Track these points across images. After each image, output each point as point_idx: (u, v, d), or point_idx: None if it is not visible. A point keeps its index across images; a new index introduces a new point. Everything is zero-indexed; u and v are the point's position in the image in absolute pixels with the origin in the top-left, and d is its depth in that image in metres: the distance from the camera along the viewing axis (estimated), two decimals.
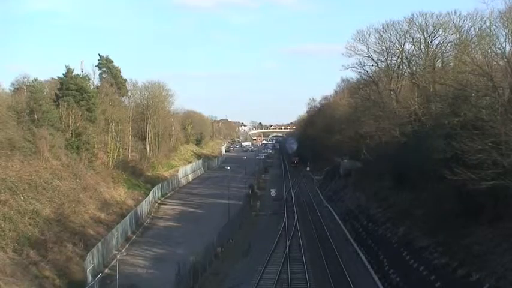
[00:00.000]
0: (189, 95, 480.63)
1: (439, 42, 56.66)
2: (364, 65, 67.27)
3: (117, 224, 53.34)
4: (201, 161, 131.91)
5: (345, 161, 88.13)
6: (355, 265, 46.30)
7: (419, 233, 41.86)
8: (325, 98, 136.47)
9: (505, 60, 33.16)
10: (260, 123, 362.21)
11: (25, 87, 69.97)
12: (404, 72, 63.28)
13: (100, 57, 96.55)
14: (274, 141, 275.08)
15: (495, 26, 37.80)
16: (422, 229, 41.69)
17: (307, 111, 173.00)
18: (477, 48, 39.11)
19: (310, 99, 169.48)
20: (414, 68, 60.50)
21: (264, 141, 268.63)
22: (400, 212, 49.99)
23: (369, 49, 64.41)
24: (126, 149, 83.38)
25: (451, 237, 35.71)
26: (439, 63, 56.60)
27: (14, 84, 74.04)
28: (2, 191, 43.49)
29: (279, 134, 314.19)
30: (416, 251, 39.60)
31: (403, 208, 49.63)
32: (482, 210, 34.62)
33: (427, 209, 43.05)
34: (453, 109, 37.49)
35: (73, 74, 71.69)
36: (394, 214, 51.30)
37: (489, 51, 35.47)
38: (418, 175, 45.51)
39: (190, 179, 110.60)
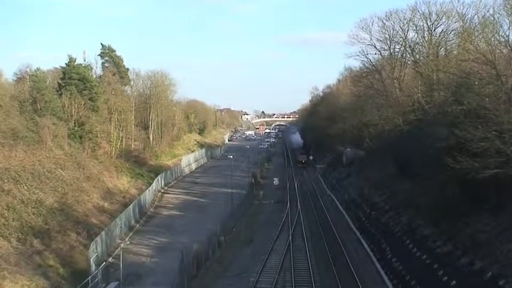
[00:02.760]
0: (192, 85, 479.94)
1: (442, 30, 56.42)
2: (367, 54, 67.05)
3: (121, 213, 53.47)
4: (204, 150, 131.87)
5: (348, 149, 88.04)
6: (357, 253, 46.42)
7: (423, 221, 41.88)
8: (328, 86, 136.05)
9: (509, 48, 33.00)
10: (263, 112, 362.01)
11: (28, 77, 70.01)
12: (408, 60, 63.01)
13: (102, 46, 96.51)
14: (277, 130, 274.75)
15: (498, 14, 37.50)
16: (425, 217, 41.70)
17: (310, 100, 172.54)
18: (480, 36, 38.88)
19: (313, 88, 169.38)
20: (417, 56, 60.26)
21: (267, 130, 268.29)
22: (403, 200, 49.98)
23: (372, 37, 64.21)
24: (129, 138, 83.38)
25: (454, 225, 35.72)
26: (442, 52, 56.33)
27: (16, 74, 74.22)
28: (6, 180, 43.59)
29: (282, 123, 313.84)
30: (420, 240, 39.64)
31: (406, 196, 49.61)
32: (485, 198, 34.59)
33: (430, 197, 43.02)
34: (456, 97, 37.35)
35: (75, 63, 71.61)
36: (397, 202, 51.30)
37: (492, 39, 35.27)
38: (421, 164, 45.40)
39: (193, 168, 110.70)
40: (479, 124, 29.07)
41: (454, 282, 30.23)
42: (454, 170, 30.90)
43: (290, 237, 51.59)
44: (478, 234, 32.44)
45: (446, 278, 31.48)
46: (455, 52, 51.91)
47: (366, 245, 48.37)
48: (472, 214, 35.10)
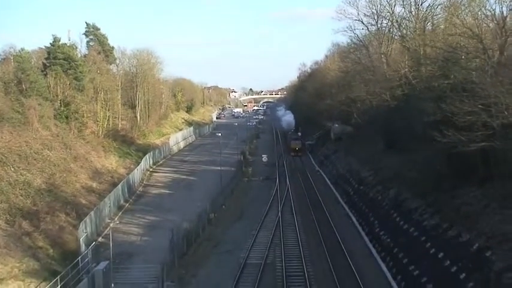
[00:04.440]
0: (178, 63, 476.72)
1: (429, 4, 56.23)
2: (355, 29, 66.96)
3: (109, 192, 53.40)
4: (192, 128, 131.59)
5: (336, 125, 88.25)
6: (346, 227, 46.83)
7: (410, 195, 42.25)
8: (316, 63, 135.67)
9: (495, 22, 33.06)
10: (251, 89, 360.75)
11: (12, 58, 69.25)
12: (395, 35, 62.97)
13: (87, 25, 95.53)
14: (265, 108, 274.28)
15: None
16: (412, 191, 42.07)
17: (297, 77, 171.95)
18: (467, 11, 38.83)
19: (301, 64, 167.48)
20: (404, 31, 60.17)
21: (255, 108, 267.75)
22: (390, 174, 50.35)
23: (359, 12, 64.06)
24: (116, 117, 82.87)
25: (441, 198, 36.08)
26: (429, 26, 56.26)
27: (0, 55, 73.33)
28: None
29: (270, 100, 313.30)
30: (407, 213, 40.03)
31: (394, 171, 49.97)
32: (472, 171, 34.91)
33: (418, 171, 43.35)
34: (443, 72, 37.51)
35: (60, 43, 70.89)
36: (384, 177, 51.67)
37: (479, 13, 35.31)
38: (408, 138, 45.70)
39: (182, 147, 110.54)
40: (466, 98, 29.23)
41: (441, 254, 30.61)
42: (441, 143, 31.13)
43: (279, 213, 51.89)
44: (465, 207, 32.79)
45: (433, 250, 31.87)
46: (442, 26, 51.89)
47: (354, 219, 48.80)
48: (458, 187, 35.44)
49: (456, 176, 36.04)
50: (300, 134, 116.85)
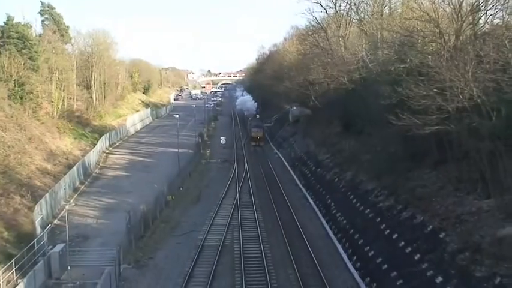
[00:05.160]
0: (136, 44, 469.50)
1: None
2: (313, 12, 67.05)
3: (64, 174, 52.55)
4: (149, 109, 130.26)
5: (294, 108, 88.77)
6: (303, 209, 47.34)
7: (366, 177, 42.92)
8: (275, 45, 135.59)
9: (452, 6, 33.47)
10: (209, 71, 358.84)
11: None
12: (353, 19, 63.39)
13: (42, 4, 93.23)
14: (223, 89, 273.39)
15: None
16: (368, 173, 42.75)
17: (256, 59, 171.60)
18: None
19: (259, 47, 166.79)
20: (362, 15, 60.65)
21: (214, 89, 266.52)
22: (347, 157, 51.03)
23: None
24: (71, 98, 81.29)
25: (396, 180, 36.75)
26: (386, 10, 56.80)
27: None
28: None
29: (229, 82, 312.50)
30: (363, 195, 40.69)
31: (351, 153, 50.64)
32: (426, 154, 35.62)
33: (374, 153, 44.01)
34: (399, 55, 37.92)
35: (14, 21, 69.02)
36: (341, 159, 52.35)
37: None
38: (365, 121, 46.28)
39: (139, 128, 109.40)
40: (422, 82, 29.64)
41: (396, 235, 31.25)
42: (397, 127, 31.58)
43: (237, 195, 52.06)
44: (419, 189, 33.48)
45: (388, 231, 32.51)
46: (399, 10, 52.49)
47: (311, 201, 49.34)
48: (413, 170, 36.14)
49: (411, 158, 36.72)
50: (258, 116, 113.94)
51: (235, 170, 65.58)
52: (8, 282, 27.60)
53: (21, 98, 61.65)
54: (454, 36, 32.59)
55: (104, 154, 75.48)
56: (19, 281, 27.56)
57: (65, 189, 50.04)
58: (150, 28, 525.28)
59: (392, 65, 38.45)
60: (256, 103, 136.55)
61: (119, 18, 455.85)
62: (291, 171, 64.09)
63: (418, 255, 27.51)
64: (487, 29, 32.76)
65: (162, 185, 51.20)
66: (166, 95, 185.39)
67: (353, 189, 43.67)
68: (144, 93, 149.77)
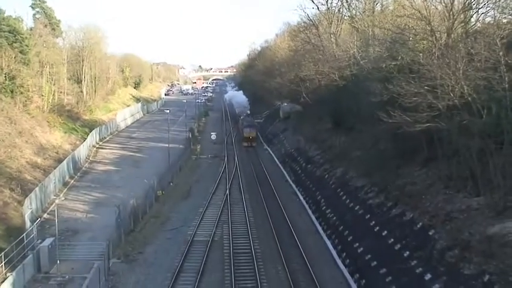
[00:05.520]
0: (127, 39, 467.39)
1: None
2: (305, 8, 67.17)
3: (55, 168, 52.33)
4: (140, 104, 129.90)
5: (285, 104, 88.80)
6: (293, 205, 47.35)
7: (356, 173, 43.03)
8: (266, 41, 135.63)
9: (443, 4, 33.63)
10: (200, 66, 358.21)
11: None
12: (344, 15, 63.59)
13: None
14: (214, 85, 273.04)
15: None
16: (358, 170, 42.85)
17: (247, 55, 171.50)
18: None
19: (251, 42, 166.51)
20: (354, 12, 60.87)
21: (205, 85, 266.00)
22: (338, 154, 51.15)
23: None
24: (61, 92, 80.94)
25: (387, 177, 36.85)
26: (378, 7, 57.06)
27: None
28: None
29: (220, 77, 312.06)
30: (353, 191, 40.79)
31: (341, 150, 50.77)
32: (416, 152, 35.75)
33: (364, 150, 44.15)
34: (391, 53, 38.02)
35: (5, 15, 68.58)
36: (332, 156, 52.46)
37: None
38: (355, 118, 46.36)
39: (129, 123, 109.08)
40: (413, 79, 29.74)
41: (385, 232, 31.36)
42: (387, 124, 31.66)
43: (227, 190, 52.02)
44: (409, 186, 33.61)
45: (378, 228, 32.62)
46: (391, 8, 52.69)
47: (301, 197, 49.39)
48: (403, 167, 36.27)
49: (401, 155, 36.85)
50: (249, 112, 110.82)
51: (226, 166, 65.54)
52: None
53: (12, 91, 61.29)
54: (445, 34, 32.74)
55: (94, 148, 75.26)
56: (8, 274, 27.44)
57: (54, 183, 49.83)
58: (143, 21, 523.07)
59: (384, 62, 38.52)
60: (247, 100, 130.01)
61: (110, 12, 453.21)
62: (281, 167, 64.12)
63: (407, 252, 27.61)
64: (478, 27, 32.94)
65: (152, 180, 51.09)
66: (157, 90, 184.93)
67: (343, 185, 43.76)
68: (135, 88, 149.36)
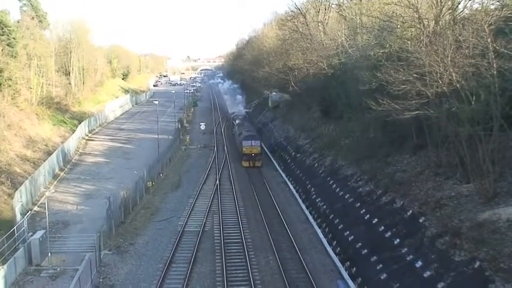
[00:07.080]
0: (114, 30, 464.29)
1: None
2: None
3: (44, 161, 52.10)
4: (128, 95, 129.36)
5: (274, 93, 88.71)
6: (283, 194, 47.47)
7: (346, 162, 43.20)
8: (254, 30, 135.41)
9: None
10: (188, 56, 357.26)
11: None
12: (332, 3, 63.47)
13: None
14: (203, 75, 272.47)
15: None
16: (348, 158, 43.02)
17: (236, 44, 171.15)
18: None
19: (239, 32, 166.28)
20: (341, 0, 60.68)
21: (193, 75, 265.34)
22: (327, 142, 51.30)
23: None
24: (50, 84, 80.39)
25: (376, 165, 37.06)
26: None
27: None
28: None
29: (208, 68, 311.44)
30: (342, 180, 40.97)
31: (330, 139, 50.93)
32: (406, 139, 35.93)
33: (353, 139, 44.32)
34: (379, 41, 38.09)
35: None
36: (321, 144, 52.60)
37: None
38: (344, 106, 46.48)
39: (118, 114, 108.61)
40: (401, 67, 29.80)
41: (375, 220, 31.54)
42: (376, 112, 31.76)
43: (217, 180, 52.03)
44: (399, 174, 33.81)
45: (368, 216, 32.80)
46: None
47: (291, 186, 49.50)
48: (393, 155, 36.47)
49: (391, 143, 37.03)
50: (246, 114, 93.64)
51: (215, 156, 65.51)
52: None
53: (0, 84, 60.84)
54: (433, 22, 32.81)
55: (84, 140, 74.95)
56: None
57: (44, 176, 49.61)
58: (130, 12, 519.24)
59: (372, 50, 38.60)
60: (240, 96, 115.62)
61: (96, 3, 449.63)
62: (271, 157, 64.18)
63: (398, 240, 27.80)
64: (466, 14, 33.02)
65: (141, 171, 50.99)
66: (145, 81, 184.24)
67: (333, 174, 43.92)
68: (123, 79, 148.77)
